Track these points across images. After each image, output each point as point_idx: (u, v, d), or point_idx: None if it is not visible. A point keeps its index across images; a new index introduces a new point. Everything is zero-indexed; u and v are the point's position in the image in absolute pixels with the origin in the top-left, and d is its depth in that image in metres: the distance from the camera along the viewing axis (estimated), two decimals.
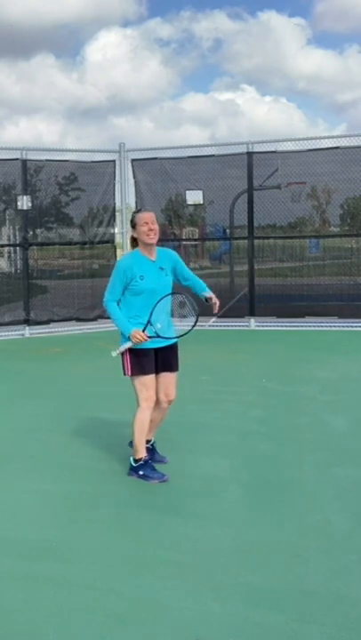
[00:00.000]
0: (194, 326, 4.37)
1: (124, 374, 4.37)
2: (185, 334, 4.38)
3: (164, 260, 4.39)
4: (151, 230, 4.25)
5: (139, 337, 4.17)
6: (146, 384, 4.30)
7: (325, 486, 4.22)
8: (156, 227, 4.29)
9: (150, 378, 4.32)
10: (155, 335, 4.22)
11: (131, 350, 4.27)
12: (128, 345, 4.24)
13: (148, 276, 4.27)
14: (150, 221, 4.26)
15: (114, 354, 4.34)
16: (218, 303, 4.48)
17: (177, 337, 4.38)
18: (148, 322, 4.21)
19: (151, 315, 4.22)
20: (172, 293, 4.38)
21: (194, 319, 4.35)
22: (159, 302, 4.24)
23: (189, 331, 4.39)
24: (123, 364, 4.34)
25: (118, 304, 4.33)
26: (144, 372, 4.29)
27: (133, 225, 4.33)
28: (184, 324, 4.44)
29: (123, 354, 4.30)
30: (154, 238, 4.29)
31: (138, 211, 4.43)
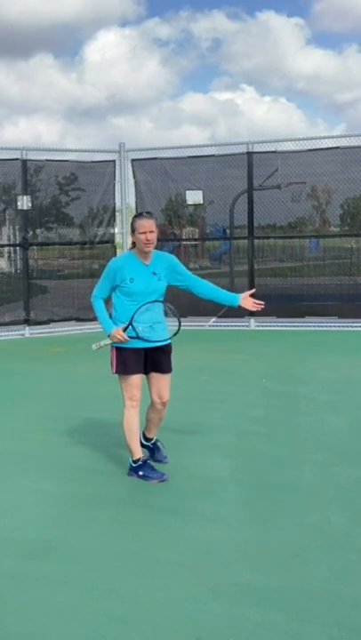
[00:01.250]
0: (176, 334, 4.35)
1: (112, 372, 4.39)
2: (164, 340, 4.35)
3: (160, 265, 4.37)
4: (148, 240, 4.24)
5: (118, 337, 4.20)
6: (130, 383, 4.32)
7: (325, 486, 4.22)
8: (153, 235, 4.25)
9: (135, 378, 4.32)
10: (135, 336, 4.21)
11: (118, 349, 4.29)
12: (108, 342, 4.28)
13: (138, 279, 4.27)
14: (148, 230, 4.23)
15: (94, 346, 4.40)
16: (253, 299, 4.50)
17: (158, 341, 4.31)
18: (130, 323, 4.21)
19: (133, 317, 4.21)
20: (159, 301, 4.35)
21: (177, 324, 4.34)
22: (143, 306, 4.24)
23: (170, 337, 4.38)
24: (110, 362, 4.37)
25: (107, 303, 4.37)
26: (127, 372, 4.30)
27: (133, 229, 4.33)
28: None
29: (111, 351, 4.34)
30: (150, 247, 4.29)
31: (138, 215, 4.39)
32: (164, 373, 4.44)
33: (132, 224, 4.34)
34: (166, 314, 4.42)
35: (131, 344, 4.26)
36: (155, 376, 4.42)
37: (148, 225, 4.26)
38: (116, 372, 4.35)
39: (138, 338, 4.22)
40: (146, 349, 4.32)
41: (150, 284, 4.31)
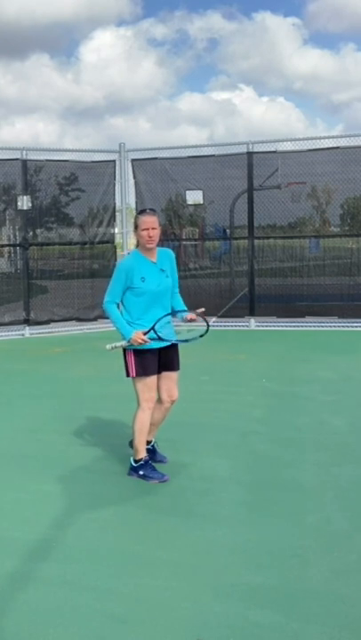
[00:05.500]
0: (205, 333, 4.36)
1: (127, 375, 4.35)
2: (191, 340, 4.37)
3: (165, 260, 4.39)
4: (151, 237, 4.24)
5: (140, 340, 4.16)
6: (148, 385, 4.30)
7: (325, 486, 4.22)
8: (156, 232, 4.26)
9: (153, 379, 4.32)
10: (156, 338, 4.21)
11: (135, 351, 4.26)
12: (124, 344, 4.23)
13: (149, 277, 4.27)
14: (151, 227, 4.23)
15: (108, 347, 4.34)
16: (198, 313, 4.44)
17: (183, 340, 4.36)
18: (152, 328, 4.20)
19: (155, 324, 4.21)
20: (180, 312, 4.41)
21: (205, 326, 4.36)
22: (165, 317, 4.26)
23: (200, 337, 4.37)
24: (126, 365, 4.32)
25: (118, 308, 4.33)
26: (147, 374, 4.28)
27: (135, 226, 4.32)
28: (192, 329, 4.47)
29: (127, 354, 4.29)
30: (153, 244, 4.28)
31: (141, 212, 4.39)
32: (175, 371, 4.45)
33: (135, 221, 4.33)
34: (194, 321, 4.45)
35: (147, 345, 4.24)
36: (166, 375, 4.41)
37: (150, 221, 4.24)
38: (137, 375, 4.29)
39: (160, 339, 4.21)
40: (160, 349, 4.32)
41: (161, 281, 4.31)
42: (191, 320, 4.43)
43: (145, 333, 4.19)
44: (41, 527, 3.71)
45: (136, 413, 4.35)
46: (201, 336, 4.36)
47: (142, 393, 4.31)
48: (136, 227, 4.30)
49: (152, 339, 4.20)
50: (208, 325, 4.36)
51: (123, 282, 4.26)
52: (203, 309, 4.44)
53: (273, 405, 6.23)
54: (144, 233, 4.24)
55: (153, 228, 4.24)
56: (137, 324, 4.26)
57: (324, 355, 8.91)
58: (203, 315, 4.40)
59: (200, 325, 4.43)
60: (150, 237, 4.24)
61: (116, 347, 4.29)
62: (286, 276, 11.57)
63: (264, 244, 11.45)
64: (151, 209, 4.47)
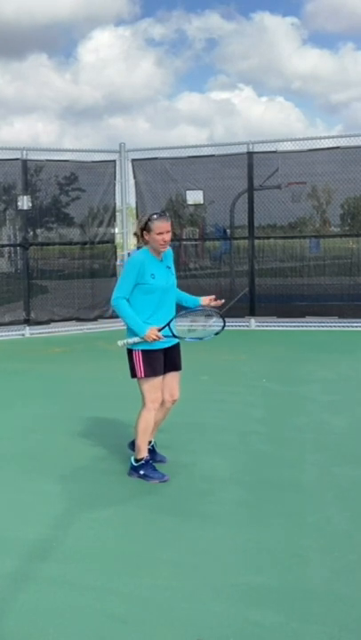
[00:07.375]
0: (221, 331, 4.39)
1: (134, 376, 4.32)
2: (205, 338, 4.42)
3: (168, 258, 4.45)
4: (165, 241, 4.28)
5: (154, 337, 4.17)
6: (155, 385, 4.31)
7: (325, 486, 4.22)
8: (169, 236, 4.31)
9: (160, 379, 4.33)
10: (170, 335, 4.23)
11: (145, 351, 4.25)
12: (136, 339, 4.22)
13: (158, 274, 4.29)
14: (166, 232, 4.26)
15: (120, 343, 4.32)
16: (215, 300, 4.49)
17: (197, 338, 4.43)
18: (168, 325, 4.22)
19: (170, 321, 4.24)
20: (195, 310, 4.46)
21: (221, 323, 4.38)
22: (185, 312, 4.32)
23: (216, 334, 4.41)
24: (133, 366, 4.30)
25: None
26: (155, 374, 4.28)
27: (148, 229, 4.27)
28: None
29: (134, 355, 4.27)
30: (166, 247, 4.35)
31: (156, 215, 4.32)
32: (179, 370, 4.47)
33: (149, 224, 4.26)
34: (210, 315, 4.47)
35: (155, 345, 4.24)
36: (170, 375, 4.41)
37: (166, 226, 4.27)
38: (145, 376, 4.27)
39: (173, 336, 4.23)
40: (165, 349, 4.33)
41: (168, 278, 4.35)
42: (216, 305, 4.45)
43: (160, 330, 4.19)
44: (41, 527, 3.71)
45: (141, 413, 4.35)
46: (216, 334, 4.40)
47: (149, 393, 4.31)
48: (149, 230, 4.27)
49: (166, 336, 4.20)
50: (224, 323, 4.37)
51: (135, 276, 4.24)
52: (222, 301, 4.49)
53: (273, 405, 6.23)
54: (159, 237, 4.25)
55: (167, 232, 4.28)
56: (147, 322, 4.24)
57: (324, 355, 8.91)
58: (220, 309, 4.45)
59: (212, 325, 4.48)
60: (165, 241, 4.28)
61: (128, 343, 4.27)
62: (286, 275, 11.58)
63: (264, 244, 11.45)
64: (163, 212, 4.49)
